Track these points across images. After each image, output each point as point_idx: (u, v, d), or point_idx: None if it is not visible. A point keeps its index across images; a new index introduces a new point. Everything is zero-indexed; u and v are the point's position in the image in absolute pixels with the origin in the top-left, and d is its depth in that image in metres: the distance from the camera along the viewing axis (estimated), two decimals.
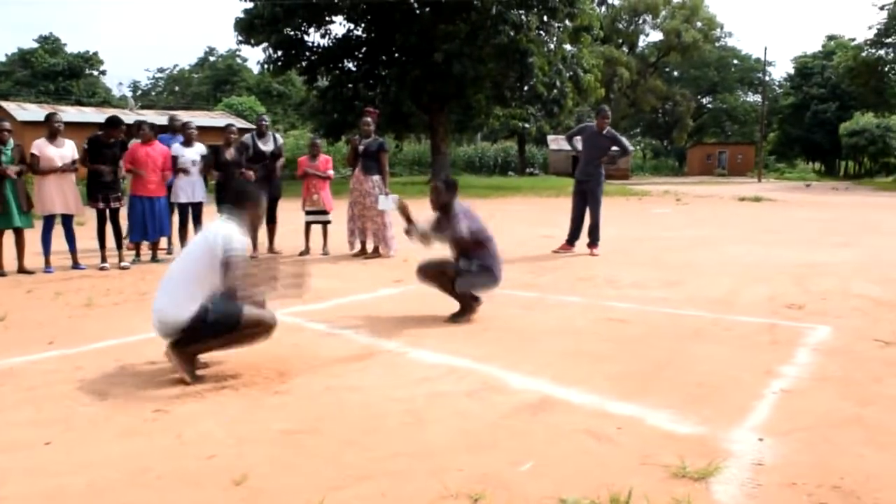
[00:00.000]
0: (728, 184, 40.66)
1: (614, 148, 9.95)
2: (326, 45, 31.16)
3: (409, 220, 5.81)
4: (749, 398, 3.84)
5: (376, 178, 9.26)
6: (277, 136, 9.99)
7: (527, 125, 38.48)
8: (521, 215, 16.79)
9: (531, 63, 29.30)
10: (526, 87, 32.49)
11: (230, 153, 9.22)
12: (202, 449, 3.22)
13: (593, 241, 9.67)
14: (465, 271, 5.65)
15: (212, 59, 79.80)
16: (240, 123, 35.20)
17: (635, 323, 5.60)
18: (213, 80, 73.23)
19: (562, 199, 22.34)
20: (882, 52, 42.92)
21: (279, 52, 30.48)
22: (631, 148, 10.72)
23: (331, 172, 10.03)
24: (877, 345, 5.01)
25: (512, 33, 27.65)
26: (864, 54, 44.09)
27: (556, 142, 52.13)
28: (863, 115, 55.09)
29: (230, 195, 4.63)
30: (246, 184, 5.14)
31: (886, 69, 44.12)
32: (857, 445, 3.27)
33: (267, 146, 9.63)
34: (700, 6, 61.59)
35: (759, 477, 2.93)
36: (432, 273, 5.81)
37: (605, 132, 9.67)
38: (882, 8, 40.84)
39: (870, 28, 45.17)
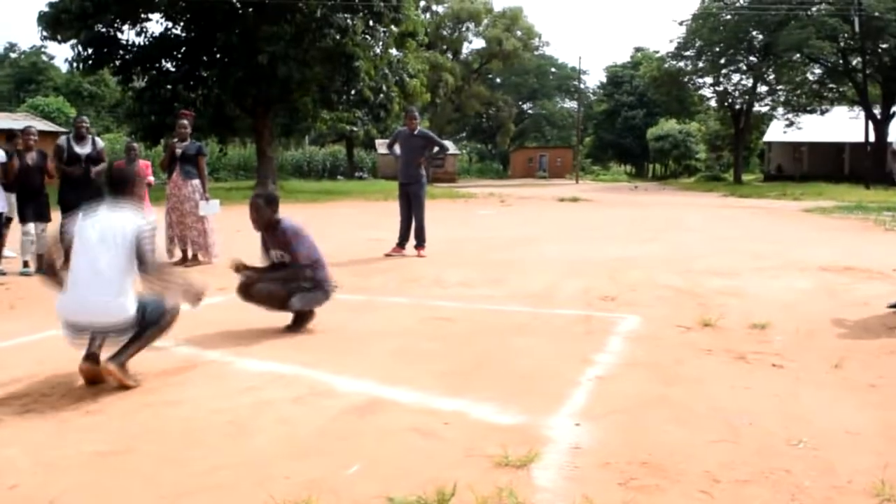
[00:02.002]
0: (549, 186, 42.62)
1: (434, 148, 10.14)
2: (142, 43, 29.49)
3: (245, 268, 5.52)
4: (566, 386, 4.05)
5: (195, 182, 8.89)
6: (98, 139, 9.30)
7: (354, 129, 38.43)
8: (350, 219, 16.75)
9: (357, 67, 29.25)
10: (353, 91, 32.41)
11: (31, 157, 8.50)
12: (3, 479, 2.94)
13: (419, 242, 9.81)
14: (298, 290, 5.39)
15: (13, 55, 73.34)
16: (43, 126, 32.59)
17: (461, 321, 5.74)
18: (15, 79, 67.27)
19: (390, 203, 22.42)
20: (682, 63, 46.52)
21: (90, 50, 28.42)
22: (448, 146, 10.97)
23: (151, 178, 9.52)
24: (679, 330, 5.44)
25: (338, 37, 27.48)
26: (666, 66, 47.58)
27: (385, 146, 52.32)
28: (667, 122, 59.71)
29: (112, 186, 4.44)
30: (120, 170, 4.77)
31: (686, 80, 47.91)
32: (663, 423, 3.53)
33: (84, 149, 8.93)
34: (520, 16, 64.05)
35: (577, 460, 3.09)
36: (260, 297, 5.47)
37: (416, 132, 9.83)
38: (681, 24, 44.37)
39: (671, 42, 49.12)
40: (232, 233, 10.51)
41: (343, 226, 14.84)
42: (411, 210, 9.86)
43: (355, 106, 34.90)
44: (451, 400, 3.81)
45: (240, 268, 5.49)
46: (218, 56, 29.59)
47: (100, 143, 9.30)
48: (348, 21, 28.14)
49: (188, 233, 8.98)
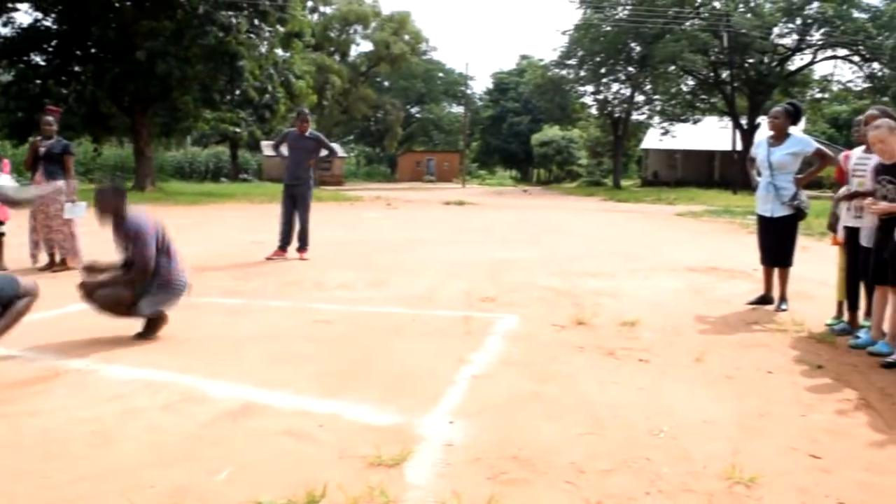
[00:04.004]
0: (436, 189, 42.92)
1: (324, 152, 10.05)
2: (9, 35, 27.80)
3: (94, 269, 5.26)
4: (442, 385, 4.10)
5: (61, 183, 8.44)
6: None
7: (238, 130, 37.51)
8: (232, 222, 16.33)
9: (241, 66, 28.60)
10: (237, 91, 31.67)
11: None
12: None
13: (303, 245, 9.67)
14: (145, 292, 5.09)
15: None
16: None
17: (340, 323, 5.71)
18: None
19: (275, 205, 21.92)
20: (564, 72, 48.07)
21: None
22: (336, 149, 10.89)
23: (6, 177, 8.94)
24: (554, 329, 5.61)
25: (221, 34, 26.77)
26: (549, 73, 49.04)
27: (271, 147, 51.31)
28: (550, 128, 61.41)
29: None
30: None
31: (568, 87, 49.47)
32: (535, 419, 3.64)
33: None
34: (407, 20, 64.34)
35: (449, 457, 3.14)
36: (105, 303, 5.10)
37: (307, 134, 9.73)
38: (564, 33, 45.88)
39: (554, 50, 50.51)
40: (102, 235, 10.04)
41: (224, 229, 14.45)
42: (295, 212, 9.72)
43: (239, 106, 34.12)
44: (327, 402, 3.79)
45: (91, 269, 5.26)
46: (93, 51, 28.27)
47: None
48: (232, 19, 27.49)
49: (54, 236, 8.51)
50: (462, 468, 3.03)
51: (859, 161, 5.48)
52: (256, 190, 32.42)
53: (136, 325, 5.25)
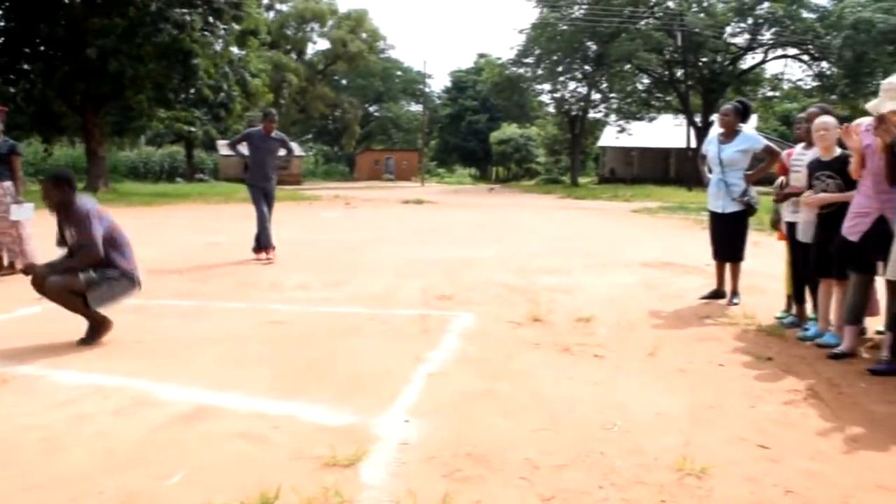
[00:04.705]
0: (395, 188, 42.86)
1: (282, 151, 9.95)
2: None
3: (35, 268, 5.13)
4: (399, 384, 4.10)
5: (7, 184, 8.21)
6: None
7: (193, 129, 36.98)
8: (188, 223, 16.09)
9: (196, 64, 28.14)
10: (191, 90, 31.18)
11: None
12: None
13: (259, 245, 9.50)
14: (98, 282, 5.00)
15: None
16: None
17: (296, 324, 5.67)
18: None
19: (231, 206, 21.88)
20: (522, 70, 48.28)
21: None
22: (294, 148, 10.77)
23: None
24: (510, 326, 5.64)
25: (175, 32, 26.32)
26: (507, 72, 49.21)
27: (227, 146, 50.62)
28: (508, 126, 61.67)
29: None
30: None
31: (525, 86, 49.74)
32: (490, 416, 3.66)
33: None
34: (365, 18, 64.06)
35: (404, 455, 3.14)
36: (57, 292, 4.99)
37: (273, 135, 9.60)
38: (521, 32, 46.06)
39: (511, 49, 50.71)
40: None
41: (179, 230, 14.22)
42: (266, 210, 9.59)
43: (194, 105, 33.63)
44: (282, 404, 3.77)
45: (30, 269, 5.15)
46: (42, 48, 27.55)
47: None
48: (186, 17, 27.03)
49: (2, 239, 8.30)
50: (417, 467, 3.03)
51: (797, 157, 5.63)
52: (212, 190, 32.00)
53: (83, 331, 5.15)
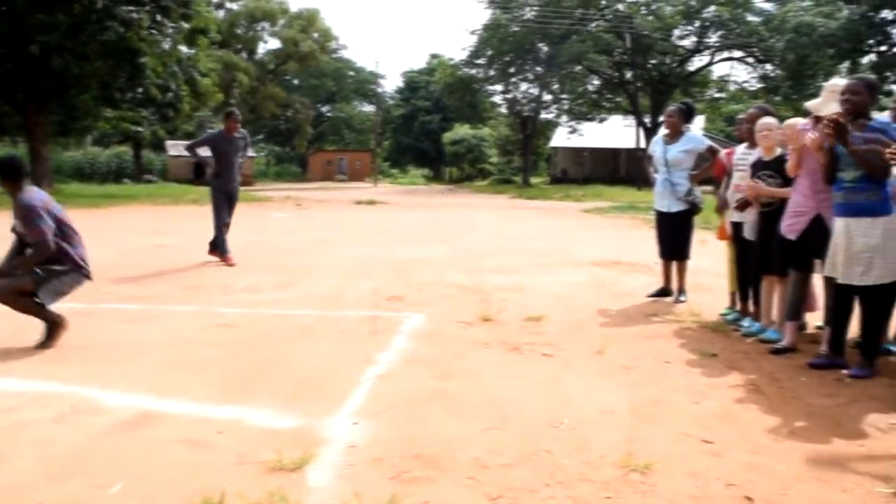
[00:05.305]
0: (347, 189, 42.60)
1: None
2: None
3: None
4: (348, 387, 4.07)
5: None
6: None
7: (140, 129, 36.25)
8: (135, 225, 15.76)
9: (143, 63, 27.59)
10: (139, 89, 30.56)
11: None
12: None
13: (218, 248, 9.26)
14: (46, 278, 4.88)
15: None
16: None
17: (244, 327, 5.59)
18: None
19: (181, 208, 21.55)
20: (474, 71, 48.48)
21: None
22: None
23: None
24: (461, 326, 5.66)
25: (121, 30, 25.75)
26: (459, 73, 49.36)
27: (177, 147, 49.84)
28: (461, 127, 61.79)
29: None
30: None
31: (478, 87, 49.94)
32: (439, 416, 3.66)
33: None
34: (316, 18, 63.55)
35: (352, 458, 3.12)
36: (6, 296, 4.86)
37: (236, 133, 9.30)
38: (473, 33, 46.22)
39: (464, 50, 50.86)
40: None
41: (126, 232, 13.91)
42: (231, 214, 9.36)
43: (141, 105, 32.97)
44: (227, 408, 3.72)
45: None
46: None
47: None
48: (133, 14, 26.48)
49: None
50: (365, 469, 3.02)
51: (741, 157, 5.76)
52: (161, 191, 31.42)
53: (28, 333, 5.02)
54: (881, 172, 4.22)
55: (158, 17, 28.41)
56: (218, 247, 9.15)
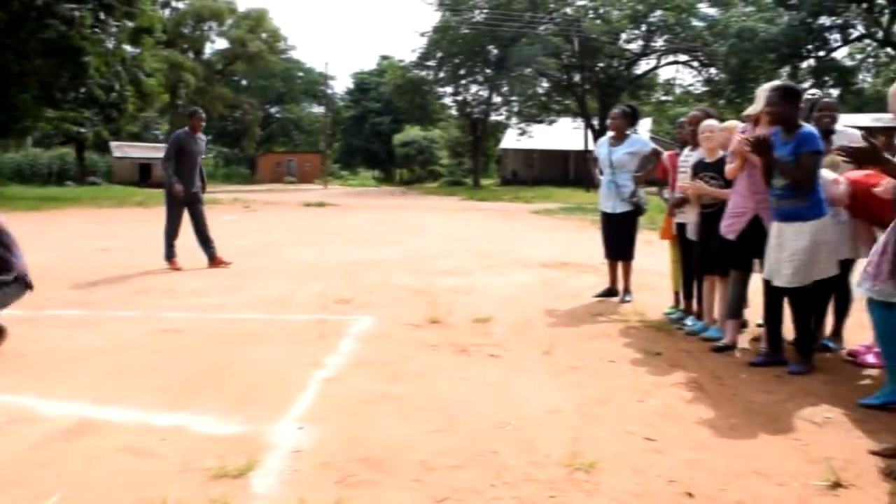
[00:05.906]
0: (297, 191, 42.20)
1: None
2: None
3: None
4: (294, 391, 4.04)
5: None
6: None
7: (83, 130, 35.38)
8: (78, 228, 15.37)
9: (86, 62, 26.98)
10: (81, 89, 29.84)
11: None
12: None
13: (213, 251, 9.08)
14: None
15: None
16: None
17: (189, 331, 5.50)
18: None
19: (125, 210, 21.13)
20: (424, 73, 48.60)
21: None
22: None
23: None
24: (409, 328, 5.66)
25: (63, 28, 25.12)
26: (409, 74, 49.40)
27: (121, 149, 48.83)
28: (412, 128, 61.80)
29: None
30: None
31: (428, 88, 50.05)
32: (386, 419, 3.65)
33: None
34: (264, 17, 62.83)
35: (297, 463, 3.10)
36: None
37: (199, 134, 9.01)
38: (423, 35, 46.30)
39: (413, 51, 50.94)
40: None
41: (68, 236, 13.56)
42: (199, 218, 9.04)
43: (84, 105, 32.11)
44: (170, 415, 3.65)
45: None
46: None
47: None
48: (75, 12, 25.87)
49: None
50: (309, 474, 3.00)
51: (685, 158, 5.87)
52: (105, 193, 30.75)
53: None
54: (806, 184, 4.36)
55: (101, 16, 27.87)
56: (165, 252, 8.94)
